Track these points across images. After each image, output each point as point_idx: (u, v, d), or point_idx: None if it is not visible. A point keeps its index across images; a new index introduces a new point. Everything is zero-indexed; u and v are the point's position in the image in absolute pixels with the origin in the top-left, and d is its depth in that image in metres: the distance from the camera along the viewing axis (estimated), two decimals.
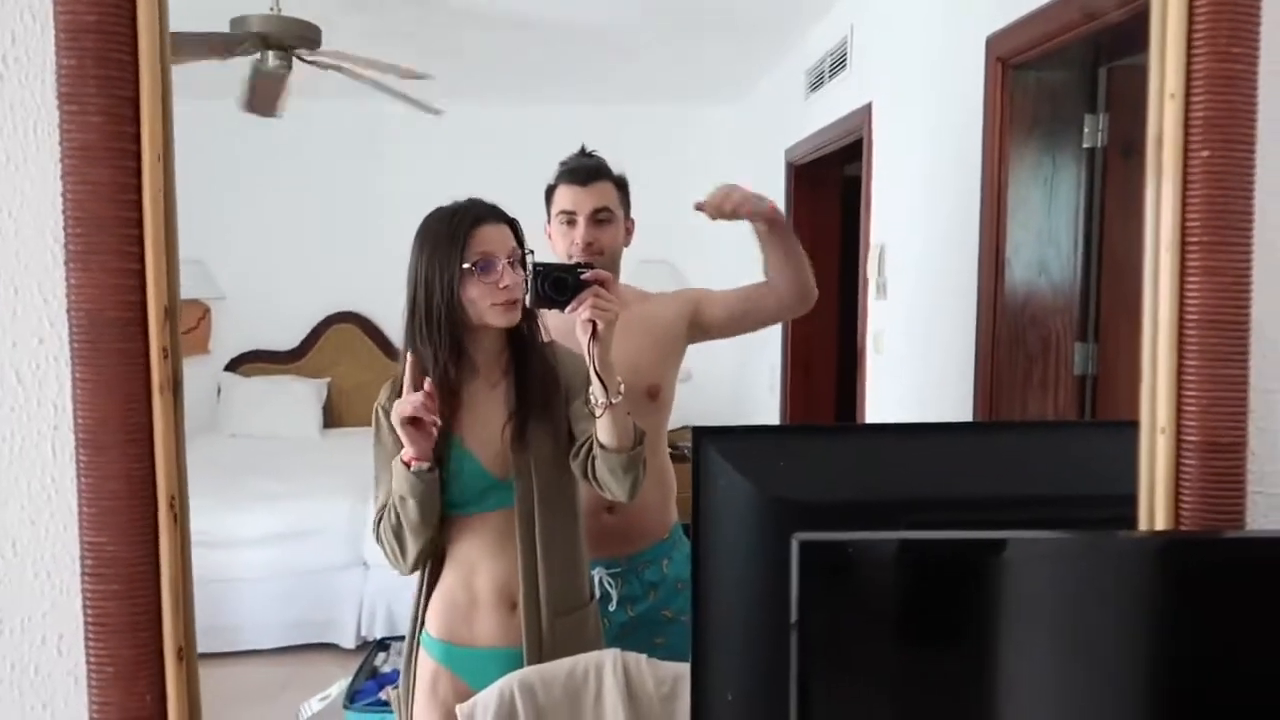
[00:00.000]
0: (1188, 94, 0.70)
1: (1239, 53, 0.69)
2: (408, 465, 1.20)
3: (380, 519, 1.29)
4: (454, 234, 1.22)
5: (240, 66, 2.53)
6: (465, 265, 1.21)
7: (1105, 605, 0.65)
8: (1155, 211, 0.71)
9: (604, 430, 1.20)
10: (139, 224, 0.64)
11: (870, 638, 0.64)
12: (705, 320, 1.59)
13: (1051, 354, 1.92)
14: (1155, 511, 0.72)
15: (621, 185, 1.54)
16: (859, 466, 0.89)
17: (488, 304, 1.22)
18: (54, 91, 0.65)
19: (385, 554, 1.29)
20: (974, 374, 1.97)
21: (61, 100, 0.64)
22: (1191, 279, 0.69)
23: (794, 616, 0.56)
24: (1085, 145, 1.85)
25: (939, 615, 0.65)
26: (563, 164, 1.53)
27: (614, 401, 1.18)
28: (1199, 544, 0.70)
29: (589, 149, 1.54)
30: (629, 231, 1.56)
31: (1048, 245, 1.92)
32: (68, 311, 0.65)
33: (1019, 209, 1.90)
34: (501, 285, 1.22)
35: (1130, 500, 0.79)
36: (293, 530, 3.22)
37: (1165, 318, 0.71)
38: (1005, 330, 1.92)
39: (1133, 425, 0.80)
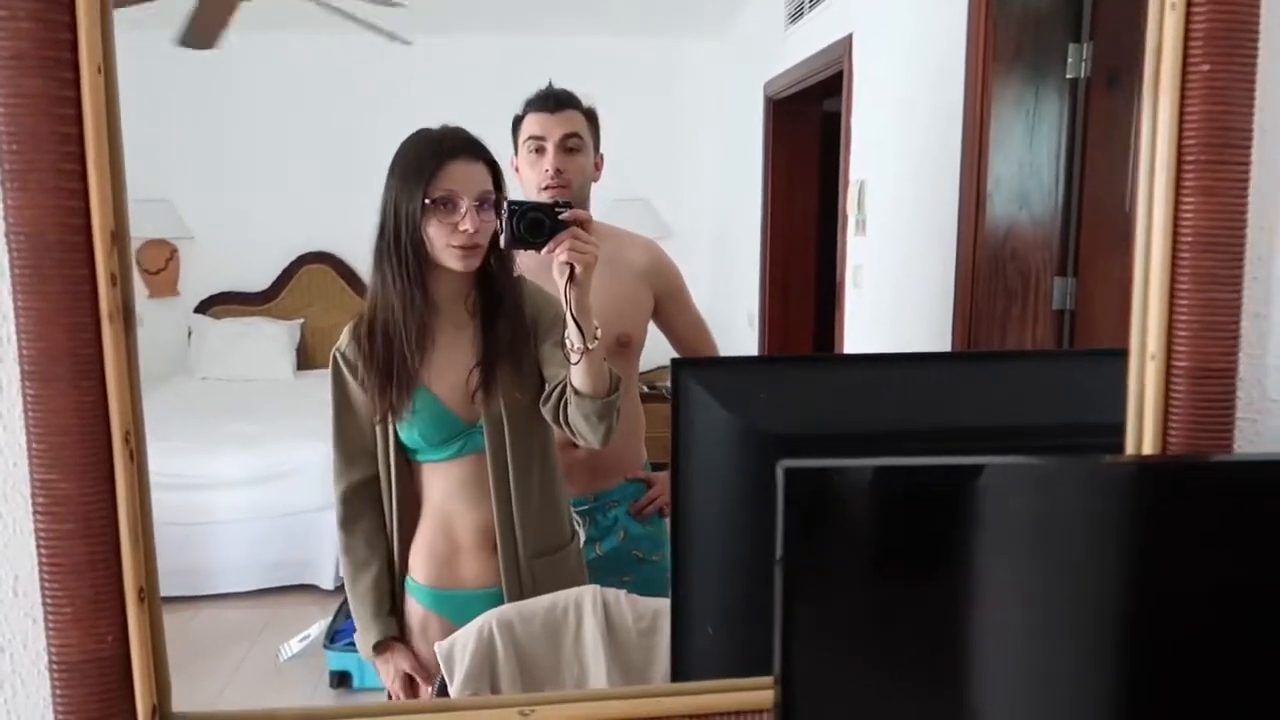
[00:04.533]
0: (1189, 5, 0.67)
1: None
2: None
3: (342, 508, 1.32)
4: (421, 165, 1.16)
5: None
6: (427, 200, 1.16)
7: (1084, 531, 0.65)
8: (1151, 128, 0.68)
9: (579, 376, 1.16)
10: (79, 140, 0.60)
11: (851, 566, 0.63)
12: (660, 312, 1.56)
13: (1031, 288, 1.91)
14: (1144, 438, 0.71)
15: (591, 117, 1.48)
16: (842, 398, 0.87)
17: (444, 244, 1.17)
18: None
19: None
20: (953, 309, 1.96)
21: None
22: (1187, 199, 0.67)
23: (779, 543, 0.54)
24: (1069, 75, 1.82)
25: (919, 542, 0.64)
26: (530, 96, 1.48)
27: (590, 347, 1.13)
28: (1173, 468, 0.69)
29: (555, 86, 1.48)
30: (598, 166, 1.50)
31: (1029, 178, 1.89)
32: (6, 235, 0.61)
33: (1001, 142, 1.87)
34: (460, 228, 1.16)
35: (1117, 429, 0.78)
36: (268, 472, 3.19)
37: (1159, 240, 0.68)
38: (985, 265, 1.91)
39: (1118, 354, 0.79)
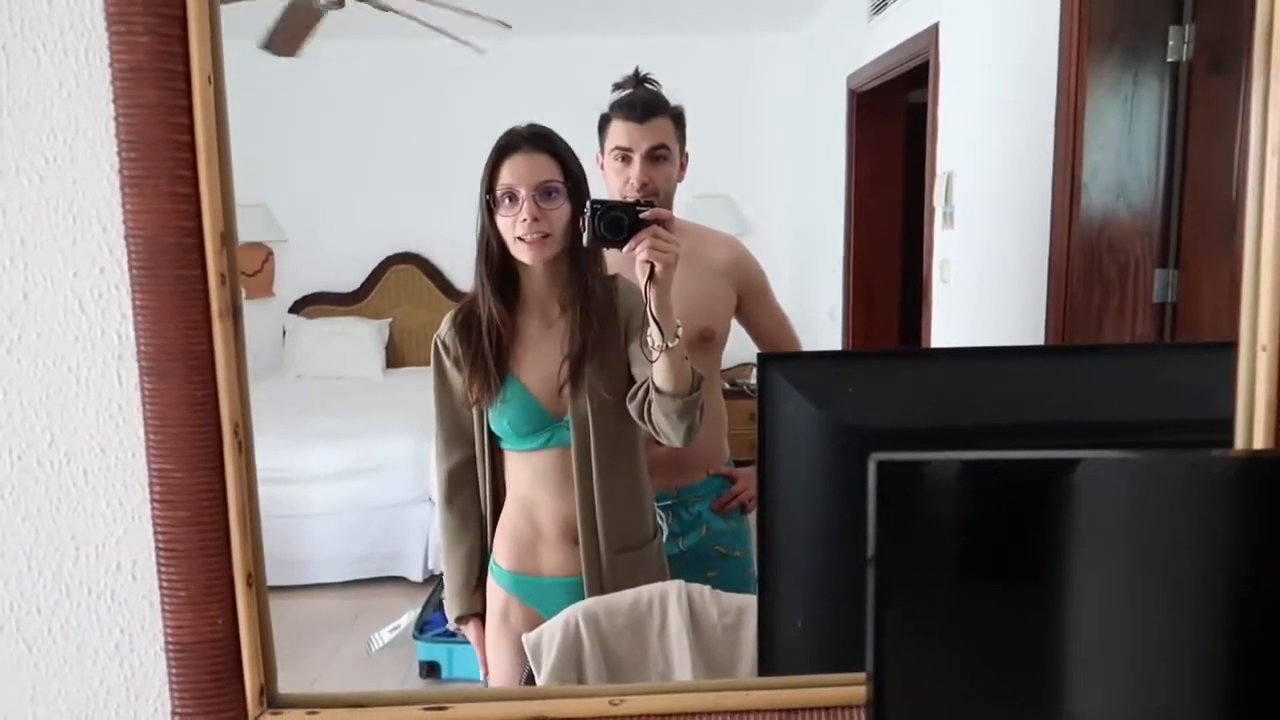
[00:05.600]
0: None
1: None
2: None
3: (442, 487, 1.34)
4: (486, 164, 1.21)
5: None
6: (488, 196, 1.20)
7: (1187, 530, 0.62)
8: (1262, 111, 0.65)
9: (660, 374, 1.17)
10: (191, 147, 0.63)
11: (943, 561, 0.62)
12: (743, 308, 1.55)
13: (1129, 281, 1.84)
14: (1254, 433, 0.68)
15: (678, 120, 1.48)
16: (931, 392, 0.86)
17: (512, 238, 1.20)
18: (103, 13, 0.64)
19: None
20: (1046, 303, 1.90)
21: (109, 20, 0.63)
22: None
23: (870, 537, 0.54)
24: (1169, 59, 1.75)
25: (1013, 539, 0.62)
26: (617, 86, 1.47)
27: (671, 345, 1.14)
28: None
29: (644, 73, 1.49)
30: (683, 166, 1.50)
31: (1127, 166, 1.82)
32: (125, 238, 0.64)
33: (1096, 129, 1.81)
34: (521, 218, 1.18)
35: (1220, 425, 0.75)
36: (359, 467, 3.29)
37: (1270, 227, 0.65)
38: (1080, 257, 1.85)
39: (1222, 347, 0.76)
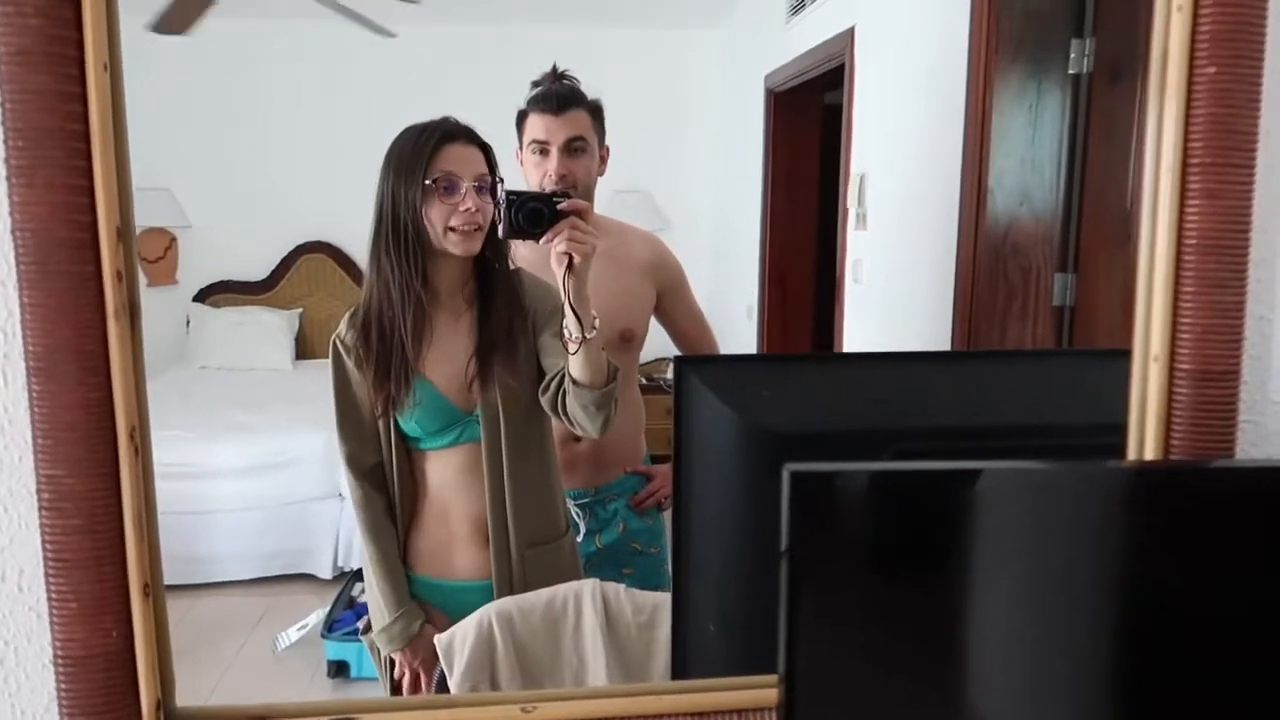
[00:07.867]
0: (1195, 7, 0.67)
1: None
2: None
3: (354, 492, 1.29)
4: (419, 150, 1.17)
5: None
6: (427, 182, 1.16)
7: (1083, 536, 0.65)
8: (1157, 132, 0.68)
9: (577, 366, 1.16)
10: (85, 137, 0.60)
11: (854, 567, 0.63)
12: (661, 306, 1.56)
13: (1031, 284, 1.91)
14: (1145, 440, 0.71)
15: (596, 113, 1.48)
16: (844, 396, 0.88)
17: (444, 227, 1.17)
18: None
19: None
20: (953, 304, 1.96)
21: None
22: (1191, 202, 0.67)
23: (784, 542, 0.55)
24: (1071, 71, 1.81)
25: (920, 545, 0.64)
26: (534, 84, 1.46)
27: (589, 336, 1.14)
28: (1179, 473, 0.69)
29: (561, 69, 1.48)
30: (603, 160, 1.50)
31: (1031, 174, 1.89)
32: (12, 232, 0.61)
33: (1002, 137, 1.87)
34: (462, 208, 1.17)
35: (1115, 428, 0.79)
36: (267, 462, 3.19)
37: (1163, 243, 0.68)
38: (985, 260, 1.91)
39: (1121, 354, 0.79)
